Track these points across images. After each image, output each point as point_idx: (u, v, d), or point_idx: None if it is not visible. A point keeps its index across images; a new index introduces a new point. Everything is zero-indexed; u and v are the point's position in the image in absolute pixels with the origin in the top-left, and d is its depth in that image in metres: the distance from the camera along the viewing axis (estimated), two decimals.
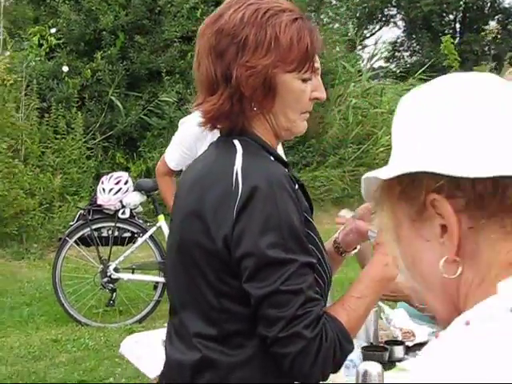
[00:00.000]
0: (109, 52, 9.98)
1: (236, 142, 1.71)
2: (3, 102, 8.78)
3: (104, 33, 10.04)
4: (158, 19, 10.32)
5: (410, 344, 2.99)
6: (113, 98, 9.88)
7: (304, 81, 1.71)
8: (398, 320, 3.13)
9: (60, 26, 10.15)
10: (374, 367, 2.26)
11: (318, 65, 1.77)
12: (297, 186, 1.73)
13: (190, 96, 10.09)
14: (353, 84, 11.51)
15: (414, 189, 0.90)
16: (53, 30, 10.13)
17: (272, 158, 1.72)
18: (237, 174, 1.62)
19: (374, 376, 2.25)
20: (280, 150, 4.11)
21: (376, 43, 18.63)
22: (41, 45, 9.98)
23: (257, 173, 1.62)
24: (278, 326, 1.57)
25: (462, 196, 0.86)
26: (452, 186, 0.86)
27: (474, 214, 0.86)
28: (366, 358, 2.75)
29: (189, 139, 4.13)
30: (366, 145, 11.21)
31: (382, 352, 2.82)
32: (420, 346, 3.00)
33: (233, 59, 1.64)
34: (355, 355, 2.74)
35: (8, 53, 10.21)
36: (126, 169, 9.80)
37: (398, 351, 2.86)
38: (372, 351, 2.81)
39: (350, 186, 10.61)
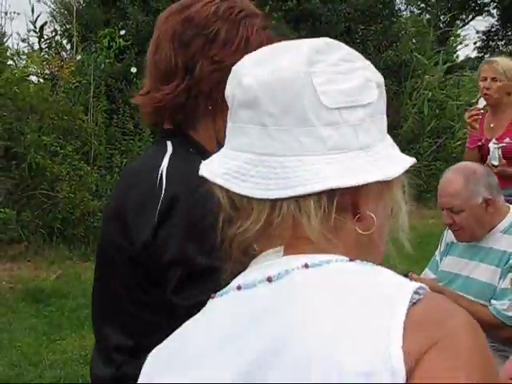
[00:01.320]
0: None
1: (169, 142, 1.62)
2: (71, 104, 8.87)
3: None
4: None
5: None
6: None
7: None
8: None
9: (129, 28, 10.20)
10: None
11: None
12: None
13: None
14: (427, 76, 11.15)
15: None
16: (122, 32, 10.20)
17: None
18: (161, 175, 1.52)
19: None
20: None
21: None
22: (110, 47, 10.05)
23: (181, 176, 1.51)
24: None
25: None
26: None
27: None
28: None
29: None
30: (443, 139, 10.85)
31: None
32: None
33: (199, 50, 1.58)
34: None
35: (79, 56, 10.34)
36: None
37: None
38: None
39: (425, 181, 10.28)
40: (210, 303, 1.04)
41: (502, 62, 4.87)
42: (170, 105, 1.59)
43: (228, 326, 0.97)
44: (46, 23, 11.08)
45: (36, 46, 10.66)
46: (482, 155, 4.82)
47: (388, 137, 1.03)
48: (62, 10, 11.51)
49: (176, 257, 1.45)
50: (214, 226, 1.42)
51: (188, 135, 1.63)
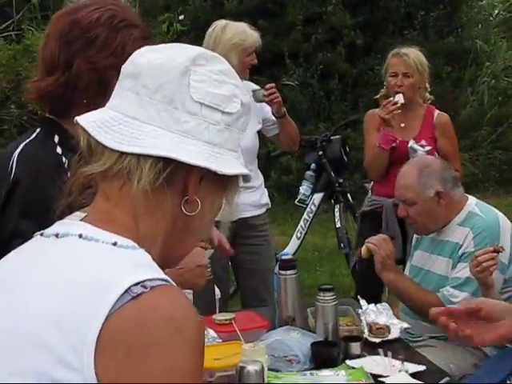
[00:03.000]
0: None
1: (38, 130, 1.89)
2: None
3: (228, 18, 10.12)
4: (282, 2, 10.30)
5: (376, 341, 2.83)
6: None
7: None
8: (373, 315, 2.97)
9: (187, 13, 10.37)
10: (252, 365, 2.15)
11: None
12: None
13: (312, 79, 10.03)
14: (489, 64, 10.89)
15: None
16: (181, 17, 10.38)
17: (59, 149, 1.82)
18: (13, 159, 1.78)
19: (252, 375, 2.14)
20: None
21: None
22: (168, 32, 10.24)
23: (26, 162, 1.77)
24: None
25: None
26: None
27: None
28: (313, 354, 2.64)
29: None
30: (503, 127, 10.61)
31: (331, 348, 2.69)
32: (389, 343, 2.85)
33: (78, 50, 1.80)
34: (302, 351, 2.64)
35: None
36: None
37: (355, 348, 2.71)
38: (321, 347, 2.68)
39: (481, 170, 10.10)
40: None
41: (413, 54, 4.31)
42: (50, 94, 1.83)
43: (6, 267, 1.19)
44: None
45: None
46: (393, 158, 4.19)
47: (241, 156, 1.20)
48: None
49: (14, 231, 1.70)
50: (50, 208, 1.62)
51: (59, 124, 1.86)
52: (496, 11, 12.53)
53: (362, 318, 2.92)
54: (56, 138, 1.85)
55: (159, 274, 1.07)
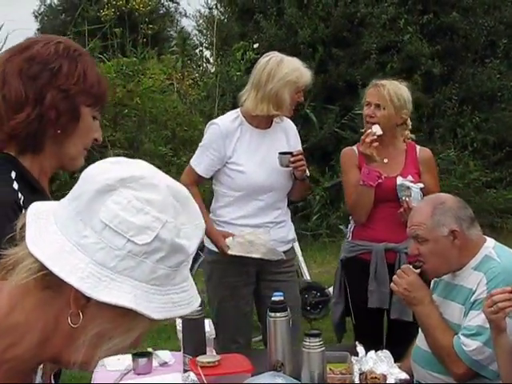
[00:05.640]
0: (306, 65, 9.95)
1: None
2: (192, 115, 9.13)
3: (302, 46, 10.06)
4: (357, 31, 10.14)
5: None
6: (307, 111, 9.86)
7: (94, 118, 1.92)
8: (371, 363, 2.77)
9: (261, 41, 10.33)
10: None
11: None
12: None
13: None
14: None
15: None
16: (255, 45, 10.36)
17: (15, 185, 1.79)
18: None
19: None
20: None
21: None
22: (242, 59, 10.23)
23: None
24: None
25: None
26: None
27: None
28: None
29: (216, 139, 3.93)
30: None
31: None
32: None
33: (47, 83, 1.81)
34: None
35: (213, 69, 10.63)
36: (317, 182, 9.74)
37: None
38: None
39: None
40: None
41: (391, 86, 4.00)
42: (24, 131, 1.82)
43: None
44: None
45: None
46: (378, 196, 3.90)
47: (145, 287, 1.14)
48: (207, 25, 11.90)
49: None
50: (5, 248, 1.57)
51: (17, 160, 1.85)
52: None
53: (356, 367, 2.72)
54: (13, 174, 1.82)
55: None
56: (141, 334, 1.19)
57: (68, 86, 1.82)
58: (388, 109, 3.95)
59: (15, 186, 1.78)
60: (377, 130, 3.88)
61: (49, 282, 1.14)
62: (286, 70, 3.88)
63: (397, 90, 3.99)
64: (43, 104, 1.80)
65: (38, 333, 1.17)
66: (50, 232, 1.15)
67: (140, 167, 1.18)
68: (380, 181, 3.88)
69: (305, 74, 3.94)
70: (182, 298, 1.17)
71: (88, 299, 1.12)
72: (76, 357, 1.17)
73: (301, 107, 9.87)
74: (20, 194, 1.75)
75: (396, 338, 3.80)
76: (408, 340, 3.30)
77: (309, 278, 6.20)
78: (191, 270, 1.56)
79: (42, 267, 1.13)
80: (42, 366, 1.27)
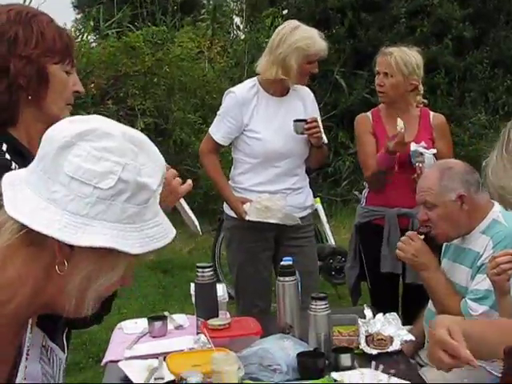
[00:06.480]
0: (336, 31, 9.92)
1: None
2: (221, 83, 9.14)
3: (331, 12, 10.00)
4: None
5: (373, 352, 2.69)
6: (337, 77, 9.84)
7: (67, 73, 1.91)
8: (379, 325, 2.82)
9: (290, 8, 10.30)
10: (194, 378, 2.07)
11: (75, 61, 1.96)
12: None
13: None
14: None
15: None
16: (284, 12, 10.33)
17: (7, 156, 1.81)
18: None
19: None
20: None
21: None
22: (272, 26, 10.20)
23: None
24: None
25: None
26: None
27: None
28: (298, 364, 2.54)
29: (233, 107, 4.00)
30: None
31: (316, 359, 2.57)
32: (388, 355, 2.70)
33: (6, 53, 1.82)
34: (286, 361, 2.54)
35: (243, 36, 10.62)
36: (347, 148, 9.74)
37: (344, 359, 2.59)
38: (306, 358, 2.56)
39: None
40: None
41: (398, 53, 4.00)
42: None
43: None
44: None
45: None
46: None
47: (143, 227, 1.27)
48: None
49: None
50: None
51: (7, 132, 1.87)
52: None
53: (362, 329, 2.78)
54: (4, 147, 1.84)
55: None
56: (127, 272, 1.29)
57: (28, 52, 1.82)
58: (396, 76, 3.98)
59: (7, 157, 1.81)
60: (400, 123, 3.84)
61: (32, 238, 1.24)
62: (297, 36, 3.90)
63: (404, 56, 4.00)
64: (8, 74, 1.82)
65: (31, 285, 1.27)
66: (24, 195, 1.25)
67: (94, 121, 1.28)
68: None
69: (318, 44, 3.93)
70: (156, 232, 1.28)
71: (71, 247, 1.23)
72: (69, 301, 1.28)
73: (330, 73, 9.87)
74: (14, 164, 1.78)
75: (411, 301, 3.84)
76: (423, 304, 3.35)
77: (333, 243, 6.24)
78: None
79: (22, 226, 1.23)
80: (30, 320, 1.37)
